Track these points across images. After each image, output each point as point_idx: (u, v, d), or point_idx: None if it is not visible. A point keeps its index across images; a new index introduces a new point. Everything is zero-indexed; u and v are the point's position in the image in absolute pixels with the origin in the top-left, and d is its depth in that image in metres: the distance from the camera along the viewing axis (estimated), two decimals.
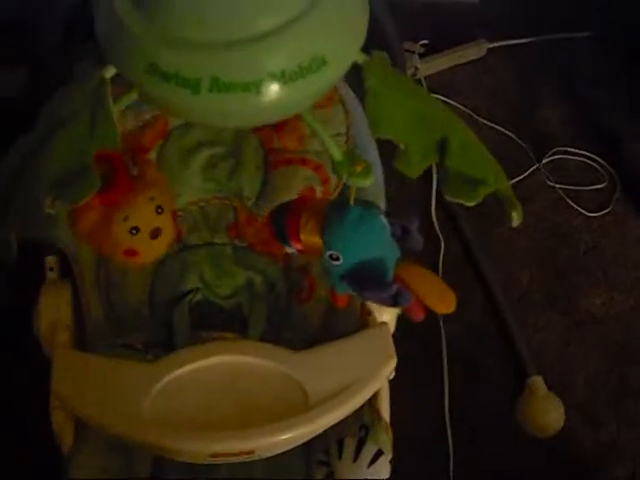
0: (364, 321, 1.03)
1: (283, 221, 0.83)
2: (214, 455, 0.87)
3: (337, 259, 0.78)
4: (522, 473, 1.27)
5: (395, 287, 0.76)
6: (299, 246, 0.84)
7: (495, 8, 1.72)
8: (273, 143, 1.08)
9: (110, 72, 0.67)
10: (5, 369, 1.26)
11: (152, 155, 1.07)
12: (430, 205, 1.44)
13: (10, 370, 1.26)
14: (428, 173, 1.38)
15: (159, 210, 0.94)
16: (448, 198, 0.79)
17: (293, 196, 1.07)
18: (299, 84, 0.61)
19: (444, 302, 0.79)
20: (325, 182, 1.08)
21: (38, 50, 1.29)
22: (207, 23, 0.60)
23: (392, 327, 1.04)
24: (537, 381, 1.28)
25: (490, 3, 1.73)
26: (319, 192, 1.08)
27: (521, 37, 1.68)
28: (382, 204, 1.04)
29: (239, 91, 0.60)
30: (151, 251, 0.98)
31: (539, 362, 1.32)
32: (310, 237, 0.81)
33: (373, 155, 1.08)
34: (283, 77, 0.60)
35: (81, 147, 0.71)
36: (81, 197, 0.72)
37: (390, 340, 0.97)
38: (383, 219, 0.77)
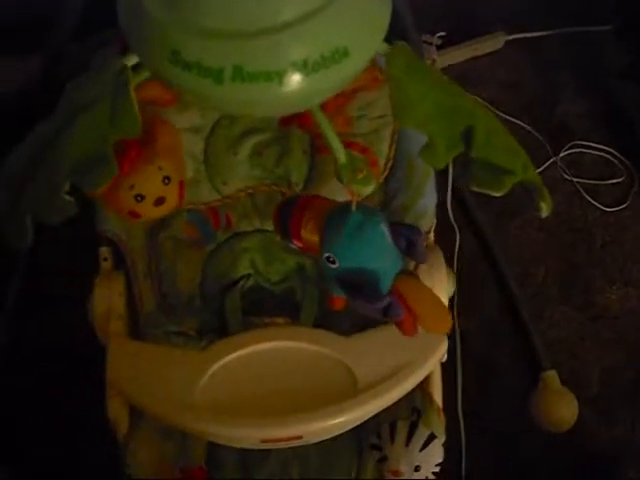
0: None
1: (288, 217, 0.83)
2: (265, 441, 0.88)
3: (333, 262, 0.77)
4: (535, 468, 1.27)
5: (387, 300, 0.74)
6: (299, 244, 0.83)
7: (513, 0, 1.70)
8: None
9: (132, 60, 0.67)
10: (60, 359, 1.27)
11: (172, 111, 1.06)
12: (446, 197, 1.43)
13: (66, 359, 1.27)
14: (443, 171, 1.39)
15: (166, 181, 0.95)
16: (474, 188, 0.77)
17: None
18: (321, 74, 0.61)
19: (439, 324, 0.76)
20: (373, 164, 1.08)
21: (52, 40, 1.29)
22: (230, 12, 0.60)
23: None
24: (551, 376, 1.27)
25: None
26: None
27: (539, 30, 1.66)
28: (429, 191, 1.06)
29: (262, 80, 0.59)
30: (153, 215, 0.99)
31: (553, 357, 1.32)
32: (310, 236, 0.81)
33: (420, 137, 1.08)
34: (306, 67, 0.60)
35: (101, 135, 0.71)
36: (98, 184, 0.73)
37: None
38: (384, 228, 0.76)
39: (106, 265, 1.07)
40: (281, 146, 1.11)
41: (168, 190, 0.96)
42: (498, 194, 0.77)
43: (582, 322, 1.38)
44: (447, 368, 1.28)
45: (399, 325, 0.76)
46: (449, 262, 1.35)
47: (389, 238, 0.76)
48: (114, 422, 0.97)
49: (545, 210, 0.80)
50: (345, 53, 0.61)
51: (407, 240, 0.77)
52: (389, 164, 1.09)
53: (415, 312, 0.74)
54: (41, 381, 1.26)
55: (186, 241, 1.11)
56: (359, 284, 0.75)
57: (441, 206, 1.39)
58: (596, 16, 1.67)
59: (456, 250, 1.39)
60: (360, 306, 0.77)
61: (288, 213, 0.83)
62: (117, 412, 0.97)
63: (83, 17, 1.30)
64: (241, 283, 1.09)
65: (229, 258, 1.11)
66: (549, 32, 1.67)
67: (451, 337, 1.31)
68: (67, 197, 0.73)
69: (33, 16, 1.35)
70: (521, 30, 1.66)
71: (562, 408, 1.25)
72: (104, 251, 1.07)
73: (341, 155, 0.72)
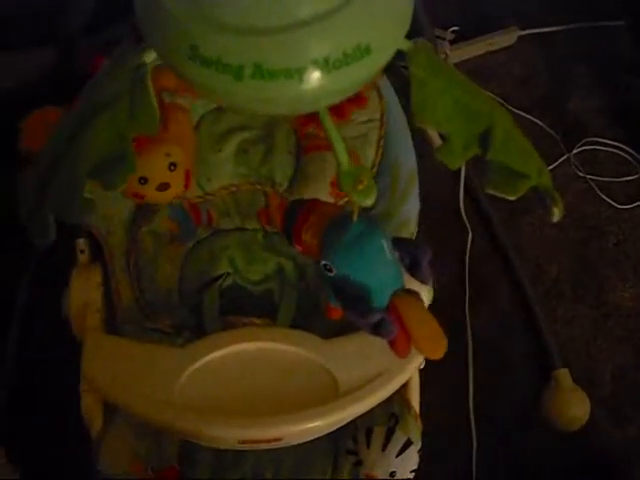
0: None
1: (293, 219, 0.82)
2: (243, 442, 0.87)
3: (330, 270, 0.75)
4: (546, 466, 1.26)
5: (378, 316, 0.72)
6: (300, 247, 0.82)
7: None
8: (306, 128, 1.07)
9: (150, 56, 0.66)
10: (34, 352, 1.26)
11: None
12: (458, 195, 1.42)
13: (40, 354, 1.27)
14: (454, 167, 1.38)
15: (172, 167, 0.95)
16: (489, 191, 0.77)
17: (325, 182, 1.07)
18: (343, 72, 0.60)
19: (433, 348, 0.73)
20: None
21: (66, 32, 1.29)
22: (251, 8, 0.59)
23: None
24: (563, 374, 1.27)
25: None
26: None
27: (552, 25, 1.66)
28: (413, 198, 1.04)
29: (282, 78, 0.58)
30: (156, 199, 0.99)
31: (566, 355, 1.31)
32: (311, 241, 0.79)
33: (406, 143, 1.07)
34: (327, 65, 0.59)
35: (119, 132, 0.70)
36: (118, 183, 0.73)
37: None
38: (383, 242, 0.73)
39: (83, 258, 1.04)
40: (267, 145, 1.09)
41: (173, 177, 0.96)
42: (513, 198, 0.77)
43: (595, 320, 1.37)
44: (459, 365, 1.29)
45: (391, 344, 0.74)
46: (461, 259, 1.37)
47: (388, 253, 0.73)
48: (87, 418, 0.95)
49: (557, 215, 0.81)
50: (367, 50, 0.60)
51: (411, 258, 0.75)
52: (374, 169, 1.07)
53: (410, 333, 0.72)
54: (53, 379, 1.26)
55: (166, 236, 1.10)
56: (352, 296, 0.73)
57: (453, 203, 1.41)
58: (609, 11, 1.66)
59: (468, 248, 1.38)
60: (352, 318, 0.75)
61: (294, 216, 0.82)
62: (90, 408, 0.95)
63: (95, 10, 1.30)
64: (220, 281, 1.08)
65: (209, 255, 1.10)
66: (562, 27, 1.66)
67: (463, 335, 1.33)
68: (88, 196, 0.73)
69: (45, 9, 1.35)
70: (534, 25, 1.65)
71: (574, 407, 1.24)
72: (81, 243, 1.04)
73: (345, 161, 0.70)
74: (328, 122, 0.69)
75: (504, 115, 0.78)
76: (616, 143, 1.52)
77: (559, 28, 1.66)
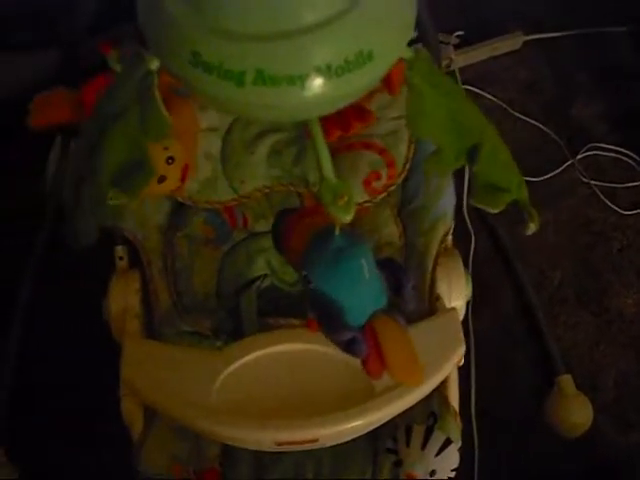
0: (433, 306, 1.02)
1: (282, 226, 0.81)
2: (280, 443, 0.87)
3: (309, 282, 0.74)
4: (548, 472, 1.26)
5: (349, 334, 0.71)
6: (285, 256, 0.82)
7: (532, 0, 1.69)
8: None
9: (155, 64, 0.66)
10: (76, 358, 1.26)
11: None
12: (462, 199, 1.42)
13: (41, 353, 1.27)
14: (459, 171, 1.38)
15: (169, 161, 0.96)
16: (473, 204, 0.79)
17: (358, 181, 1.08)
18: (345, 78, 0.60)
19: (406, 375, 0.72)
20: (390, 165, 1.07)
21: (69, 34, 1.29)
22: (253, 14, 0.59)
23: (461, 313, 1.04)
24: (566, 380, 1.26)
25: None
26: (384, 176, 1.08)
27: (557, 30, 1.65)
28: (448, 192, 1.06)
29: (284, 84, 0.58)
30: (151, 191, 0.99)
31: (569, 361, 1.31)
32: (295, 250, 0.78)
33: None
34: (329, 71, 0.59)
35: (134, 141, 0.71)
36: (138, 190, 0.74)
37: (459, 326, 0.98)
38: (363, 262, 0.71)
39: (122, 264, 1.07)
40: (299, 146, 1.10)
41: (170, 170, 0.96)
42: (494, 211, 0.79)
43: (598, 326, 1.37)
44: (461, 371, 1.28)
45: (364, 364, 0.72)
46: (464, 264, 1.36)
47: (367, 272, 0.71)
48: (128, 422, 0.96)
49: (533, 228, 0.83)
50: (369, 57, 0.60)
51: (395, 281, 0.74)
52: (407, 165, 1.08)
53: (385, 357, 0.71)
54: (56, 378, 1.26)
55: (202, 240, 1.11)
56: (326, 310, 0.72)
57: (457, 209, 1.40)
58: (612, 17, 1.66)
59: (471, 253, 1.38)
60: (324, 332, 0.74)
61: (281, 224, 0.81)
62: (131, 412, 0.96)
63: (99, 10, 1.30)
64: (257, 283, 1.09)
65: (245, 258, 1.11)
66: (566, 33, 1.66)
67: (466, 340, 1.32)
68: (114, 201, 0.74)
69: (49, 10, 1.36)
70: (539, 30, 1.65)
71: (577, 413, 1.24)
72: (120, 250, 1.07)
73: (329, 174, 0.69)
74: (317, 132, 0.68)
75: (492, 131, 0.80)
76: (620, 149, 1.52)
77: (563, 34, 1.66)
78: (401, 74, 0.71)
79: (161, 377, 0.91)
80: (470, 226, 1.40)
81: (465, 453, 1.22)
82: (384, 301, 0.73)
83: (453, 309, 1.02)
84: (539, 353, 1.32)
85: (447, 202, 1.07)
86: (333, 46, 0.59)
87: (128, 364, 0.92)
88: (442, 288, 1.03)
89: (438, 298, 1.03)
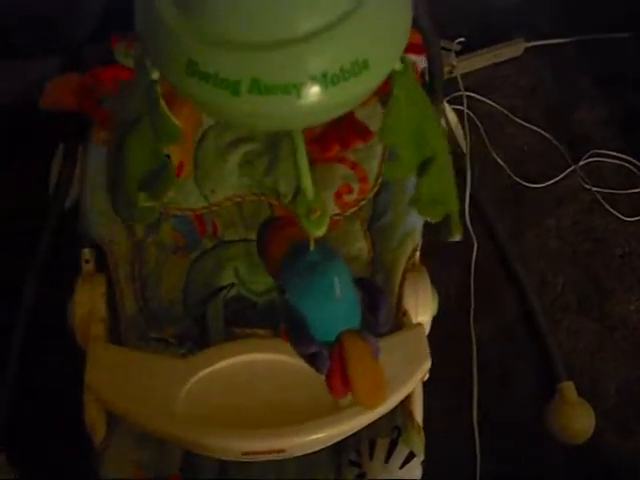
0: (399, 322, 1.02)
1: (264, 235, 0.81)
2: (246, 453, 0.87)
3: (284, 292, 0.74)
4: (549, 479, 1.25)
5: (314, 348, 0.71)
6: (264, 264, 0.82)
7: (534, 7, 1.69)
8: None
9: (156, 73, 0.67)
10: (40, 362, 1.26)
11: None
12: (464, 205, 1.42)
13: (45, 363, 1.27)
14: (462, 173, 1.38)
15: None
16: (416, 211, 0.85)
17: (331, 193, 1.08)
18: (340, 87, 0.60)
19: (369, 398, 0.70)
20: (363, 180, 1.08)
21: (70, 41, 1.29)
22: (248, 23, 0.59)
23: (427, 328, 1.04)
24: (568, 387, 1.26)
25: (529, 2, 1.70)
26: (356, 190, 1.08)
27: (559, 37, 1.65)
28: None
29: (279, 93, 0.58)
30: None
31: (571, 367, 1.30)
32: (274, 259, 0.78)
33: None
34: (324, 80, 0.59)
35: (152, 149, 0.74)
36: (163, 192, 0.78)
37: (425, 342, 0.98)
38: (335, 280, 0.69)
39: (88, 267, 1.07)
40: (271, 156, 1.10)
41: None
42: (432, 221, 0.86)
43: (600, 333, 1.37)
44: (463, 376, 1.29)
45: (327, 381, 0.72)
46: (466, 270, 1.37)
47: (339, 290, 0.70)
48: (90, 427, 0.96)
49: (457, 237, 0.89)
50: (365, 66, 0.60)
51: (371, 301, 0.73)
52: (379, 180, 1.08)
53: (349, 377, 0.69)
54: (56, 380, 1.25)
55: (171, 247, 1.11)
56: (295, 322, 0.72)
57: (459, 215, 1.40)
58: (614, 23, 1.65)
59: (473, 259, 1.38)
60: (291, 343, 0.74)
61: (265, 230, 0.81)
62: (94, 417, 0.96)
63: (101, 18, 1.30)
64: (224, 292, 1.08)
65: (213, 266, 1.11)
66: (569, 39, 1.66)
67: (468, 346, 1.32)
68: (147, 204, 0.78)
69: (50, 18, 1.36)
70: (541, 37, 1.65)
71: (579, 420, 1.23)
72: (86, 253, 1.07)
73: (308, 189, 0.69)
74: (299, 144, 0.69)
75: (445, 148, 0.85)
76: (622, 155, 1.51)
77: (566, 40, 1.65)
78: (356, 136, 0.74)
79: (126, 383, 0.91)
80: (472, 232, 1.40)
81: (467, 460, 1.24)
82: (357, 321, 0.72)
83: (419, 324, 1.02)
84: (541, 359, 1.32)
85: (416, 219, 1.07)
86: (329, 55, 0.59)
87: (92, 369, 0.92)
88: (409, 304, 1.04)
89: (405, 313, 1.03)
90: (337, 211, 1.10)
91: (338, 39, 0.59)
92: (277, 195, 1.10)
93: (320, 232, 0.67)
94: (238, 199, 1.11)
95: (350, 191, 1.09)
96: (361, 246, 1.13)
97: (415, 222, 1.08)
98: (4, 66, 1.36)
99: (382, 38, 0.62)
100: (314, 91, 0.59)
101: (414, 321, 1.03)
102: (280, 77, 0.58)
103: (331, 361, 0.70)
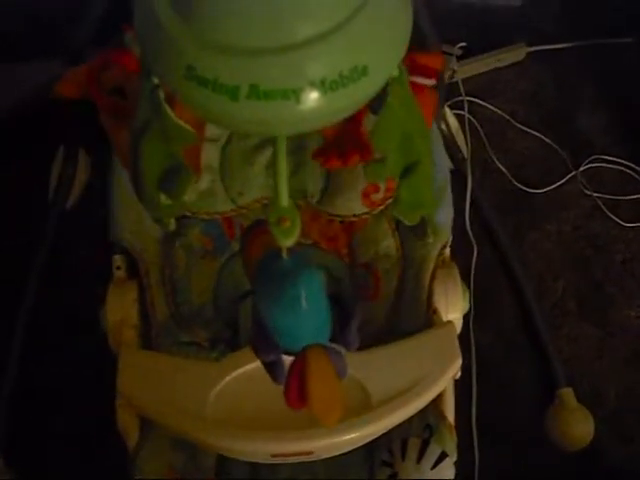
0: (430, 319, 1.03)
1: (248, 237, 0.81)
2: (275, 455, 0.87)
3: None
4: None
5: (272, 357, 0.71)
6: (244, 265, 0.82)
7: (536, 12, 1.69)
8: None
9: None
10: (72, 367, 1.27)
11: None
12: (464, 209, 1.42)
13: (77, 368, 1.27)
14: (463, 177, 1.38)
15: None
16: (394, 213, 0.88)
17: (357, 193, 1.09)
18: (339, 93, 0.60)
19: (325, 414, 0.69)
20: (389, 178, 1.07)
21: (73, 42, 1.30)
22: (247, 29, 0.59)
23: (459, 326, 1.04)
24: (567, 393, 1.26)
25: (531, 6, 1.70)
26: (383, 189, 1.09)
27: (562, 42, 1.65)
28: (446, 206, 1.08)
29: (278, 99, 0.58)
30: None
31: (570, 373, 1.30)
32: (252, 262, 0.77)
33: (439, 151, 1.11)
34: (323, 86, 0.59)
35: (164, 151, 0.75)
36: (182, 191, 0.81)
37: (456, 340, 0.98)
38: (302, 293, 0.67)
39: (119, 273, 1.07)
40: (298, 157, 1.10)
41: None
42: (409, 224, 0.90)
43: (600, 339, 1.36)
44: (462, 382, 1.28)
45: (285, 391, 0.71)
46: (466, 275, 1.36)
47: (307, 302, 0.67)
48: (123, 432, 0.97)
49: (432, 238, 0.95)
50: (364, 72, 0.60)
51: (342, 317, 0.73)
52: None
53: (307, 392, 0.68)
54: (55, 380, 1.26)
55: (200, 251, 1.11)
56: (260, 327, 0.71)
57: (459, 219, 1.40)
58: (617, 28, 1.65)
59: (473, 263, 1.38)
60: (253, 349, 0.75)
61: (249, 233, 0.81)
62: (127, 422, 0.96)
63: (104, 20, 1.30)
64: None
65: (242, 270, 1.10)
66: (571, 44, 1.65)
67: (467, 351, 1.32)
68: (166, 203, 0.81)
69: (53, 18, 1.36)
70: (543, 42, 1.65)
71: (578, 426, 1.23)
72: (117, 259, 1.08)
73: (283, 197, 0.68)
74: (281, 149, 0.68)
75: (429, 153, 0.86)
76: (623, 161, 1.51)
77: (568, 45, 1.65)
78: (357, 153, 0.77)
79: (157, 387, 0.91)
80: (472, 236, 1.40)
81: (466, 465, 1.23)
82: (325, 336, 0.70)
83: (450, 322, 1.02)
84: (541, 365, 1.32)
85: (445, 215, 1.07)
86: (328, 61, 0.59)
87: (124, 374, 0.92)
88: (439, 301, 1.04)
89: (435, 311, 1.03)
90: (364, 210, 1.10)
91: (337, 45, 0.59)
92: (304, 195, 1.10)
93: (288, 242, 0.66)
94: (265, 201, 1.11)
95: (377, 190, 1.09)
96: (389, 244, 1.13)
97: (444, 218, 1.08)
98: (5, 69, 1.36)
99: (382, 44, 0.62)
100: (313, 97, 0.59)
101: (444, 319, 1.03)
102: (279, 83, 0.58)
103: (292, 372, 0.69)
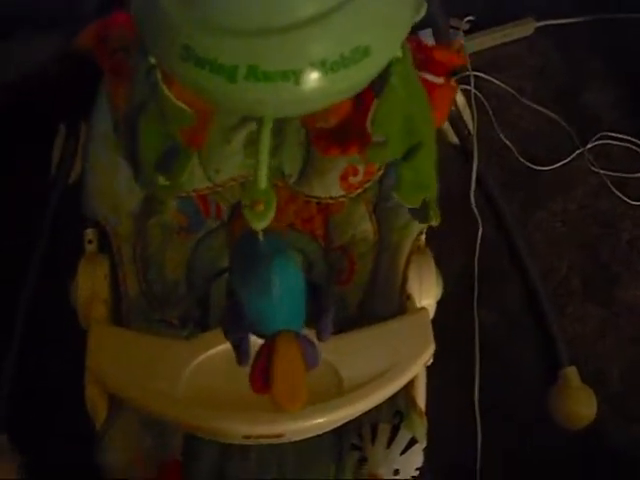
0: (403, 305, 1.01)
1: (231, 218, 0.80)
2: (247, 436, 0.86)
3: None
4: (551, 464, 1.25)
5: (239, 339, 0.71)
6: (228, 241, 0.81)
7: None
8: (316, 122, 1.06)
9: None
10: (39, 362, 1.26)
11: None
12: (469, 187, 1.40)
13: (45, 346, 1.26)
14: (468, 155, 1.37)
15: None
16: (397, 196, 0.83)
17: (336, 176, 1.08)
18: (340, 74, 0.58)
19: (286, 401, 0.68)
20: (368, 162, 1.06)
21: (72, 17, 1.28)
22: (245, 9, 0.57)
23: (432, 312, 1.03)
24: (571, 372, 1.25)
25: None
26: (362, 172, 1.08)
27: (570, 16, 1.62)
28: None
29: (277, 80, 0.57)
30: None
31: (574, 353, 1.29)
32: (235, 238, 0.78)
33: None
34: (324, 67, 0.57)
35: (163, 132, 0.74)
36: (180, 172, 0.79)
37: (429, 326, 0.97)
38: (274, 278, 0.67)
39: (91, 247, 1.06)
40: (277, 137, 1.08)
41: None
42: (410, 206, 0.85)
43: (605, 318, 1.35)
44: (466, 360, 1.28)
45: (250, 374, 0.70)
46: (471, 253, 1.35)
47: (278, 288, 0.67)
48: (91, 410, 0.95)
49: (435, 221, 0.88)
50: (366, 52, 0.59)
51: (316, 309, 0.72)
52: (383, 166, 1.08)
53: (271, 377, 0.68)
54: (55, 380, 1.25)
55: (175, 228, 1.10)
56: (232, 307, 0.71)
57: (465, 197, 1.39)
58: (627, 3, 1.62)
59: (478, 242, 1.36)
60: (222, 327, 0.74)
61: (234, 213, 0.80)
62: (95, 400, 0.95)
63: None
64: (228, 273, 1.08)
65: (217, 247, 1.10)
66: (579, 19, 1.63)
67: (471, 331, 1.31)
68: (163, 183, 0.79)
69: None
70: (552, 16, 1.62)
71: (581, 405, 1.23)
72: (89, 233, 1.06)
73: (261, 180, 0.66)
74: (265, 133, 0.66)
75: (432, 134, 0.83)
76: (632, 138, 1.49)
77: (576, 20, 1.63)
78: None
79: (127, 365, 0.90)
80: (477, 214, 1.38)
81: (468, 442, 1.23)
82: (298, 323, 0.70)
83: (424, 309, 1.02)
84: (545, 344, 1.31)
85: None
86: (329, 41, 0.58)
87: (93, 351, 0.91)
88: (413, 287, 1.03)
89: (409, 297, 1.02)
90: (342, 193, 1.09)
91: (338, 25, 0.57)
92: (282, 176, 1.09)
93: (260, 225, 0.65)
94: (242, 179, 1.09)
95: (355, 173, 1.08)
96: (366, 228, 1.12)
97: None
98: (4, 46, 1.35)
99: (384, 24, 0.61)
100: (313, 78, 0.57)
101: (418, 305, 1.03)
102: (278, 64, 0.57)
103: (259, 357, 0.69)
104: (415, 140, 0.78)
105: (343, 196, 1.09)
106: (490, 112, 1.50)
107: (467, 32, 1.57)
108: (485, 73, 1.54)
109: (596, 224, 1.43)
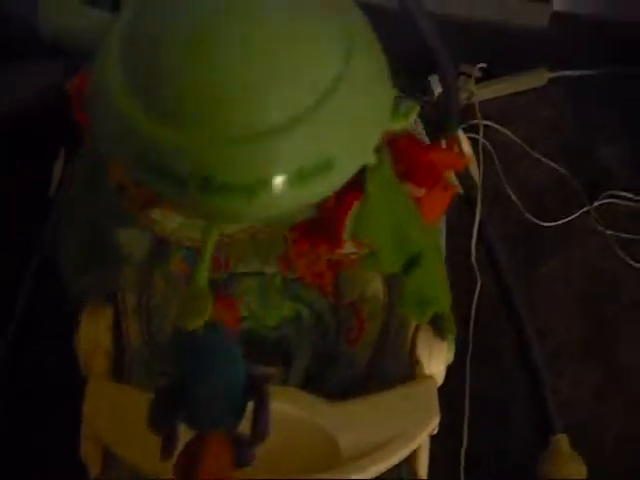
0: (412, 370, 1.01)
1: None
2: None
3: None
4: None
5: (167, 428, 0.68)
6: None
7: (561, 36, 1.65)
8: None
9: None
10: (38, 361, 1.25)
11: None
12: (470, 237, 1.38)
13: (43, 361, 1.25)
14: (470, 209, 1.34)
15: None
16: (401, 309, 0.85)
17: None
18: (297, 189, 0.56)
19: None
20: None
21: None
22: (201, 119, 0.55)
23: (440, 379, 1.02)
24: (561, 439, 1.22)
25: (556, 30, 1.66)
26: None
27: (585, 68, 1.60)
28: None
29: (230, 192, 0.55)
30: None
31: (569, 416, 1.26)
32: None
33: None
34: (280, 182, 0.55)
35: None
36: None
37: (435, 396, 0.96)
38: (214, 375, 0.66)
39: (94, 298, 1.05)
40: None
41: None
42: (418, 322, 0.87)
43: (603, 383, 1.32)
44: (454, 418, 1.25)
45: (175, 464, 0.67)
46: (467, 307, 1.33)
47: (218, 383, 0.66)
48: (86, 461, 0.94)
49: (449, 337, 0.90)
50: (329, 166, 0.56)
51: (256, 405, 0.69)
52: None
53: (197, 474, 0.65)
54: (55, 379, 1.23)
55: (180, 278, 1.09)
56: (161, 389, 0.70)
57: (464, 250, 1.37)
58: None
59: (475, 297, 1.34)
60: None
61: None
62: (90, 453, 0.94)
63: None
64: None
65: None
66: (594, 71, 1.60)
67: (461, 386, 1.28)
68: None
69: None
70: (567, 67, 1.60)
71: (569, 475, 1.19)
72: None
73: (200, 281, 0.64)
74: (210, 242, 0.65)
75: (433, 244, 0.84)
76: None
77: (591, 72, 1.60)
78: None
79: (124, 423, 0.89)
80: (477, 269, 1.36)
81: None
82: (234, 421, 0.68)
83: (431, 377, 1.00)
84: (537, 407, 1.28)
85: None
86: (286, 156, 0.55)
87: (92, 406, 0.91)
88: (422, 353, 1.01)
89: (417, 362, 1.01)
90: (353, 250, 1.08)
91: (297, 139, 0.55)
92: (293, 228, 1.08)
93: (191, 326, 0.63)
94: (251, 230, 1.08)
95: None
96: (377, 287, 1.09)
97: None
98: (5, 69, 1.35)
99: (349, 135, 0.58)
100: (268, 192, 0.55)
101: (427, 371, 1.01)
102: (232, 176, 0.55)
103: (186, 452, 0.66)
104: (411, 251, 0.76)
105: (354, 253, 1.08)
106: (497, 162, 1.48)
107: (478, 80, 1.55)
108: (495, 122, 1.52)
109: (598, 285, 1.40)
